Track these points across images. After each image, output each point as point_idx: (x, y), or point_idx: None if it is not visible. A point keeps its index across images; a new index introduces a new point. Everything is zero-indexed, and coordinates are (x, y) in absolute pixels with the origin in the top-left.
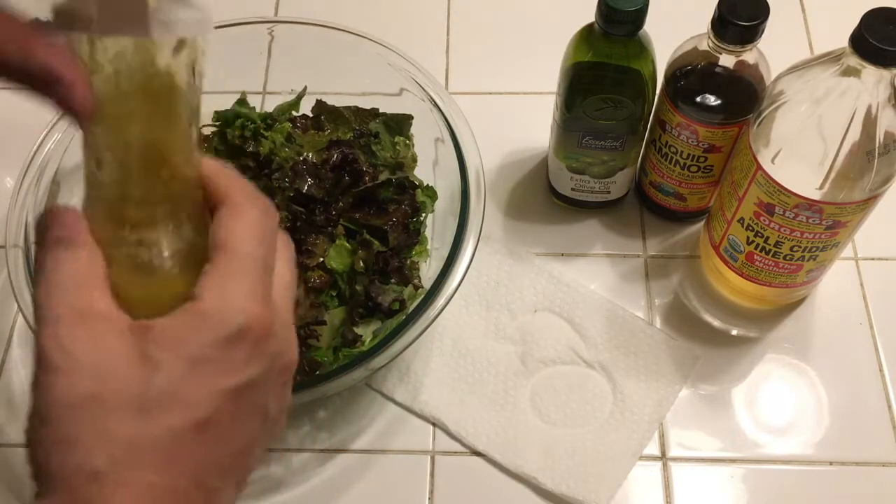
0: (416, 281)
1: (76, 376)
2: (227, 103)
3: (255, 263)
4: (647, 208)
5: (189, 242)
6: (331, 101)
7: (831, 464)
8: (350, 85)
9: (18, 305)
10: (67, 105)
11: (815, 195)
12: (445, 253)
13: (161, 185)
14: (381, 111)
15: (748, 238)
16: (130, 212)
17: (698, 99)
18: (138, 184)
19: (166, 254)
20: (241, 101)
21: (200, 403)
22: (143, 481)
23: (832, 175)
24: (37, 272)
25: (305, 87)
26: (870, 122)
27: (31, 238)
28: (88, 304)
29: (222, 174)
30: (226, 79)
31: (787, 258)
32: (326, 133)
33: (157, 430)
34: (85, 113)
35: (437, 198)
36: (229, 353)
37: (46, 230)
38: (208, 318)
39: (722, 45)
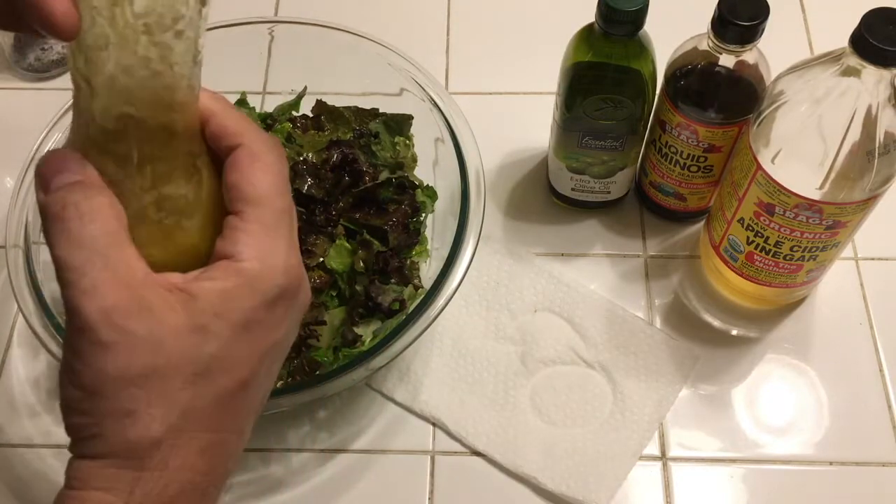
0: (416, 281)
1: (131, 352)
2: None
3: (286, 217)
4: (647, 208)
5: (199, 187)
6: (331, 101)
7: (831, 464)
8: (350, 85)
9: (18, 305)
10: (48, 20)
11: (815, 195)
12: (445, 253)
13: (164, 125)
14: (381, 111)
15: (748, 238)
16: (129, 155)
17: (698, 99)
18: (136, 126)
19: (178, 202)
20: (241, 101)
21: (245, 364)
22: (197, 441)
23: (832, 175)
24: (51, 222)
25: (305, 87)
26: (870, 122)
27: (31, 238)
28: (128, 269)
29: (231, 114)
30: (226, 79)
31: (787, 258)
32: (326, 133)
33: (209, 394)
34: (67, 29)
35: (437, 198)
36: (272, 314)
37: (54, 174)
38: (253, 282)
39: (722, 45)
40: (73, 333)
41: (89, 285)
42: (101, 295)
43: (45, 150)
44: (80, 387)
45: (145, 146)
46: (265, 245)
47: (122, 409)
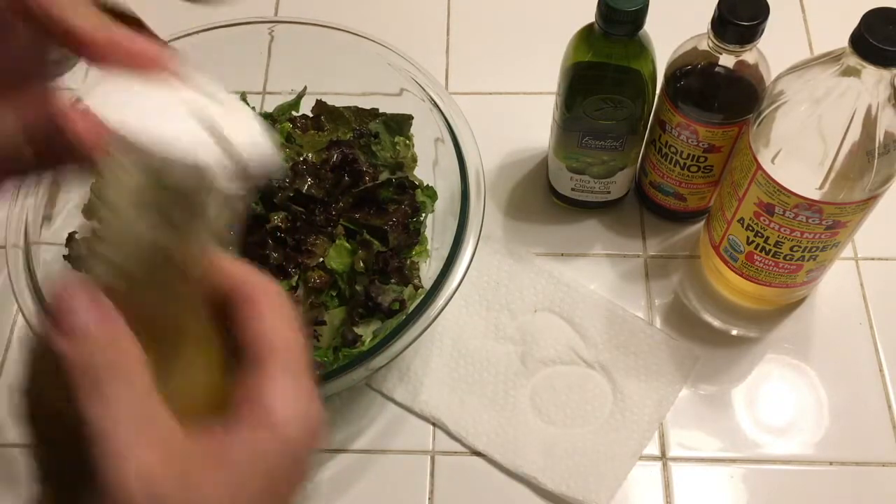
0: (416, 281)
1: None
2: None
3: (301, 359)
4: (647, 208)
5: (210, 341)
6: (331, 101)
7: (831, 464)
8: (350, 85)
9: (18, 305)
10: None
11: (815, 195)
12: (445, 253)
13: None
14: (381, 111)
15: (748, 238)
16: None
17: (698, 99)
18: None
19: (189, 356)
20: (241, 101)
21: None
22: None
23: (832, 175)
24: (80, 377)
25: (305, 87)
26: (870, 122)
27: (31, 238)
28: (166, 433)
29: (224, 268)
30: (226, 79)
31: (787, 258)
32: (326, 133)
33: None
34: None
35: (437, 198)
36: (297, 464)
37: (71, 313)
38: (281, 433)
39: (722, 45)
40: (101, 497)
41: (123, 450)
42: (131, 457)
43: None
44: None
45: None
46: (290, 393)
47: None
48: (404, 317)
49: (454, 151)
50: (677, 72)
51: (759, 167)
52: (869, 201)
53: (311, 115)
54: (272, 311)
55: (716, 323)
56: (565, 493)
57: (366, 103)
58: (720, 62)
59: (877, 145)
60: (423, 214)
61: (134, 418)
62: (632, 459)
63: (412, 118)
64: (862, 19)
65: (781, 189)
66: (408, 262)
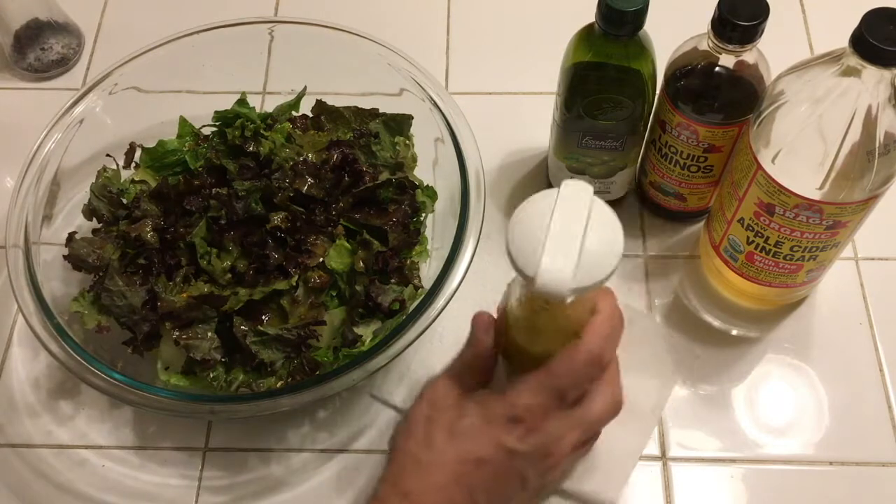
0: (416, 281)
1: (425, 402)
2: (227, 103)
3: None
4: (647, 208)
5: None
6: (331, 101)
7: (831, 464)
8: (350, 85)
9: (18, 305)
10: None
11: (815, 195)
12: (445, 253)
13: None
14: (381, 111)
15: (748, 238)
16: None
17: (698, 99)
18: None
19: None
20: (242, 101)
21: (483, 446)
22: (438, 490)
23: (832, 175)
24: (470, 353)
25: (305, 87)
26: (870, 122)
27: (31, 238)
28: (463, 373)
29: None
30: (226, 79)
31: (788, 258)
32: (326, 133)
33: (454, 452)
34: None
35: (437, 198)
36: (510, 426)
37: (481, 327)
38: (503, 398)
39: (722, 45)
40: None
41: (441, 375)
42: (437, 379)
43: (46, 151)
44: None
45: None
46: (527, 383)
47: (409, 430)
48: (404, 317)
49: (454, 151)
50: (677, 72)
51: (759, 167)
52: (869, 201)
53: (311, 115)
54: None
55: (716, 323)
56: (578, 490)
57: (366, 103)
58: (720, 62)
59: (877, 145)
60: (423, 214)
61: (455, 370)
62: (634, 456)
63: (412, 118)
64: (862, 19)
65: (781, 189)
66: (408, 262)
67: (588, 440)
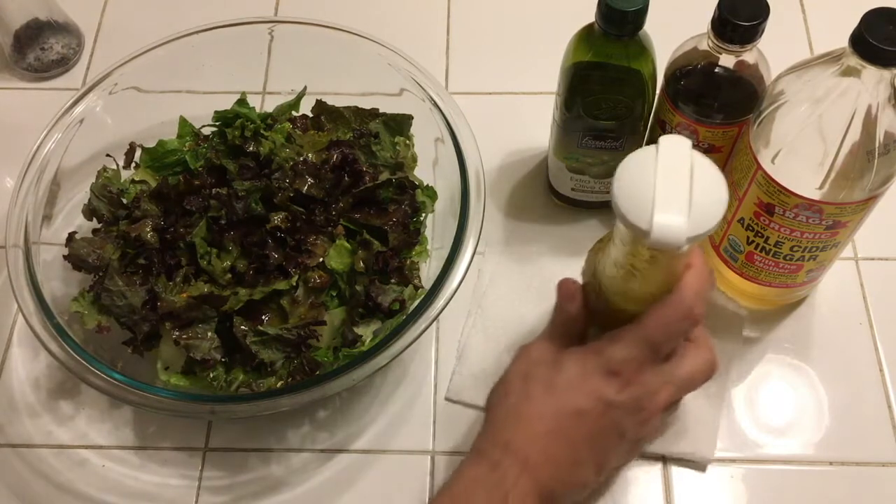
0: (416, 281)
1: (522, 361)
2: (227, 103)
3: (655, 331)
4: None
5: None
6: (331, 101)
7: (831, 464)
8: (350, 85)
9: (18, 305)
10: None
11: (815, 195)
12: (445, 253)
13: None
14: (381, 111)
15: (748, 238)
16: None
17: (698, 99)
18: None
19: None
20: (242, 101)
21: (581, 398)
22: (538, 438)
23: (832, 175)
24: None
25: (305, 87)
26: (870, 122)
27: (31, 238)
28: (555, 336)
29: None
30: (226, 79)
31: (787, 258)
32: (326, 133)
33: (553, 404)
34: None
35: (437, 198)
36: (607, 379)
37: (567, 295)
38: (599, 352)
39: (722, 45)
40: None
41: (539, 338)
42: (535, 342)
43: (46, 151)
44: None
45: None
46: (623, 337)
47: (506, 389)
48: (404, 317)
49: (454, 151)
50: (677, 72)
51: (759, 167)
52: (869, 201)
53: (311, 115)
54: (691, 274)
55: None
56: (672, 451)
57: (366, 103)
58: (720, 62)
59: (877, 145)
60: (423, 214)
61: (550, 330)
62: (717, 418)
63: (412, 118)
64: (862, 19)
65: (781, 189)
66: (408, 262)
67: (677, 400)
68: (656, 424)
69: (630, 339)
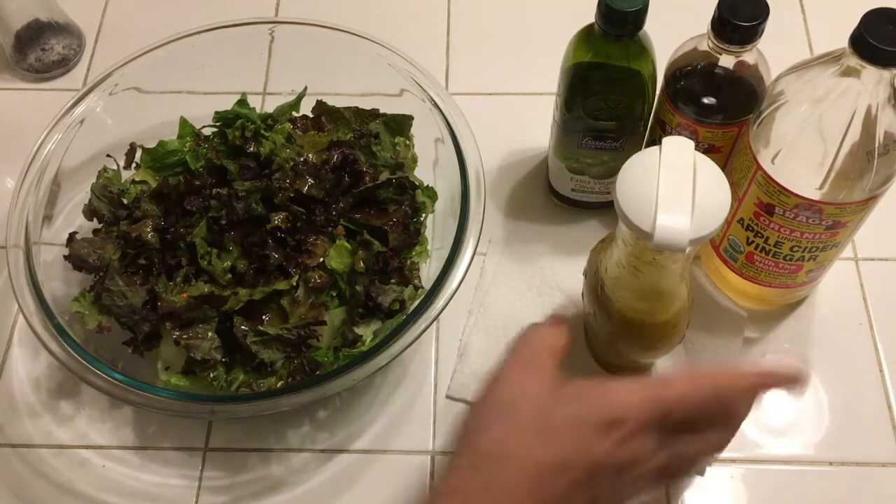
0: (416, 281)
1: (505, 387)
2: (227, 104)
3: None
4: None
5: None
6: (331, 101)
7: (831, 464)
8: (350, 85)
9: (19, 305)
10: None
11: (815, 195)
12: (445, 253)
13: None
14: (381, 111)
15: (748, 238)
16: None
17: (698, 99)
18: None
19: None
20: (242, 102)
21: (569, 450)
22: (523, 471)
23: (832, 175)
24: (532, 339)
25: (305, 88)
26: (870, 122)
27: (32, 238)
28: (541, 359)
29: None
30: (226, 79)
31: (787, 258)
32: (326, 133)
33: (540, 450)
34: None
35: (437, 198)
36: (605, 430)
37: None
38: (603, 398)
39: (722, 46)
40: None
41: (514, 355)
42: (513, 359)
43: (47, 151)
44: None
45: None
46: (636, 384)
47: (482, 422)
48: (404, 317)
49: (454, 151)
50: (677, 72)
51: (759, 167)
52: (869, 201)
53: (311, 115)
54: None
55: None
56: None
57: (366, 104)
58: (720, 62)
59: (877, 145)
60: (423, 215)
61: (532, 345)
62: None
63: (412, 118)
64: (862, 19)
65: (781, 189)
66: (408, 262)
67: (672, 472)
68: (640, 488)
69: (643, 395)
